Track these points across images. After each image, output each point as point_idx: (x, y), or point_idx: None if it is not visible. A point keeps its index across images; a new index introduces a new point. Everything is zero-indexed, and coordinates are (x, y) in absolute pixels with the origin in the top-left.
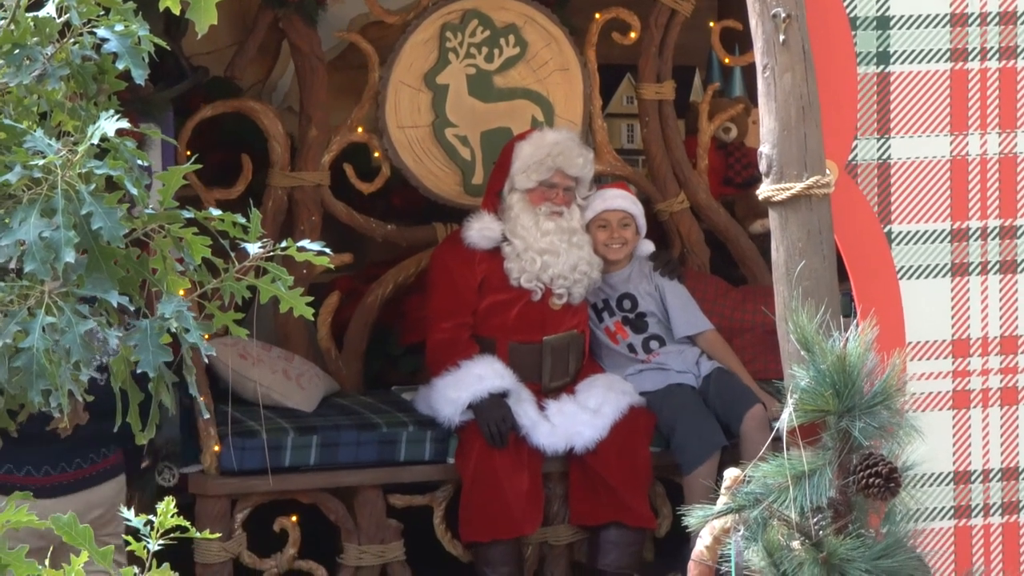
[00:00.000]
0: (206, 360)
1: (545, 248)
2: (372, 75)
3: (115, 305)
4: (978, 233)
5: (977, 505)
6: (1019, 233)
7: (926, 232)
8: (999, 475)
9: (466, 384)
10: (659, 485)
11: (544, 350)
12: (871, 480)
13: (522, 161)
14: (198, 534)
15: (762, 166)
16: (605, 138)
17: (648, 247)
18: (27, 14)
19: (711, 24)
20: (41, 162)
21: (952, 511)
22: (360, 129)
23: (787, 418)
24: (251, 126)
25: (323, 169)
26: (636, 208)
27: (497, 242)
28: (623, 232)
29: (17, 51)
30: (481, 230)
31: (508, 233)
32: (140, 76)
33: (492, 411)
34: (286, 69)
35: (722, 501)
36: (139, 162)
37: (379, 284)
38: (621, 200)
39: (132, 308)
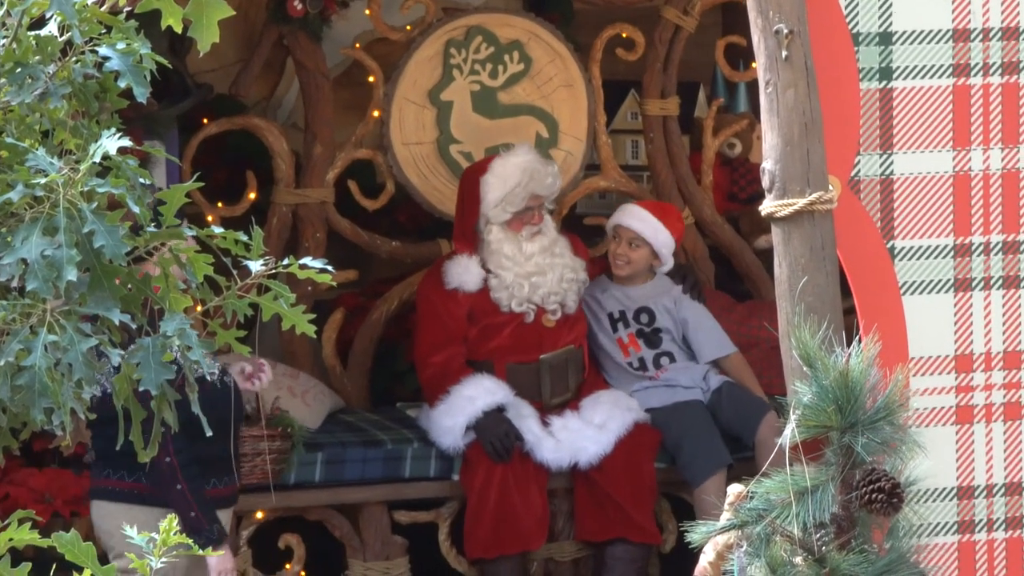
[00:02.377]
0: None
1: (532, 271)
2: (377, 92)
3: (117, 323)
4: (981, 248)
5: (980, 520)
6: (1022, 248)
7: (929, 247)
8: (1003, 490)
9: (459, 408)
10: (664, 501)
11: (542, 368)
12: (874, 496)
13: (493, 195)
14: (201, 551)
15: (765, 182)
16: (610, 154)
17: (670, 263)
18: (29, 33)
19: (716, 40)
20: (43, 180)
21: (955, 526)
22: (365, 146)
23: (790, 434)
24: (256, 143)
25: (328, 186)
26: (653, 234)
27: (479, 283)
28: (629, 251)
29: (19, 70)
30: (460, 275)
31: (493, 266)
32: (142, 94)
33: (492, 428)
34: (291, 86)
35: (725, 517)
36: (141, 180)
37: (384, 301)
38: (637, 221)
39: (134, 326)
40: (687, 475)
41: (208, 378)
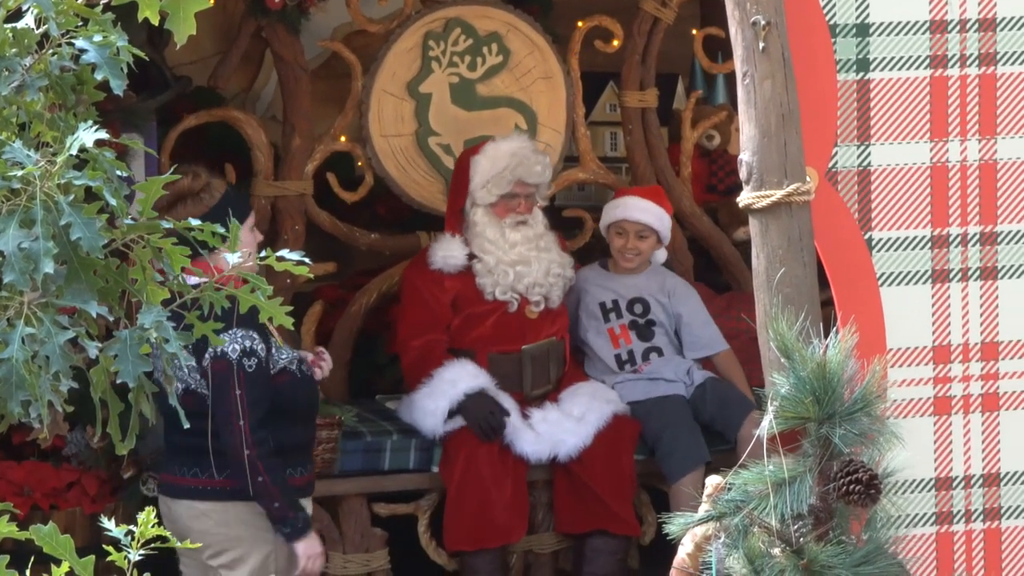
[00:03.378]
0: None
1: (516, 259)
2: (355, 84)
3: (94, 316)
4: (959, 239)
5: (959, 511)
6: (999, 239)
7: (906, 238)
8: (980, 481)
9: (441, 392)
10: (644, 493)
11: (524, 359)
12: (852, 487)
13: (480, 176)
14: (179, 543)
15: (742, 173)
16: (588, 146)
17: (663, 254)
18: (6, 25)
19: (694, 32)
20: (20, 173)
21: (934, 517)
22: (343, 138)
23: (767, 425)
24: (235, 135)
25: (307, 178)
26: (659, 222)
27: (463, 266)
28: (639, 243)
29: None
30: (445, 257)
31: (476, 250)
32: (119, 87)
33: (477, 409)
34: (269, 78)
35: (703, 508)
36: (119, 173)
37: (363, 293)
38: (641, 212)
39: (112, 318)
40: (665, 470)
41: (295, 370)
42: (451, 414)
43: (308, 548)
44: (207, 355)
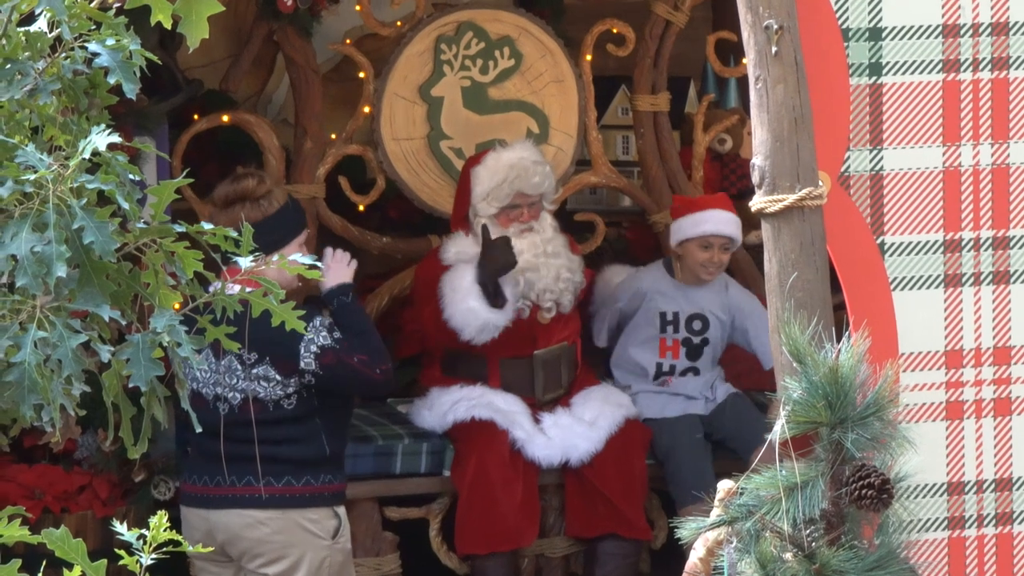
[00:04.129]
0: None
1: (523, 267)
2: (367, 87)
3: (107, 319)
4: (971, 244)
5: (971, 516)
6: (1012, 244)
7: (919, 243)
8: (993, 486)
9: (461, 296)
10: (655, 497)
11: (535, 364)
12: (864, 492)
13: (481, 188)
14: (191, 548)
15: (755, 178)
16: (600, 150)
17: None
18: (19, 29)
19: (706, 35)
20: (32, 177)
21: (946, 522)
22: (355, 142)
23: (780, 430)
24: (246, 139)
25: (318, 182)
26: (739, 232)
27: (474, 258)
28: (723, 256)
29: (8, 66)
30: (458, 253)
31: None
32: (131, 90)
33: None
34: (281, 81)
35: (715, 513)
36: (131, 176)
37: (375, 296)
38: (728, 226)
39: (124, 322)
40: (673, 493)
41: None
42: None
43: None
44: (309, 354)
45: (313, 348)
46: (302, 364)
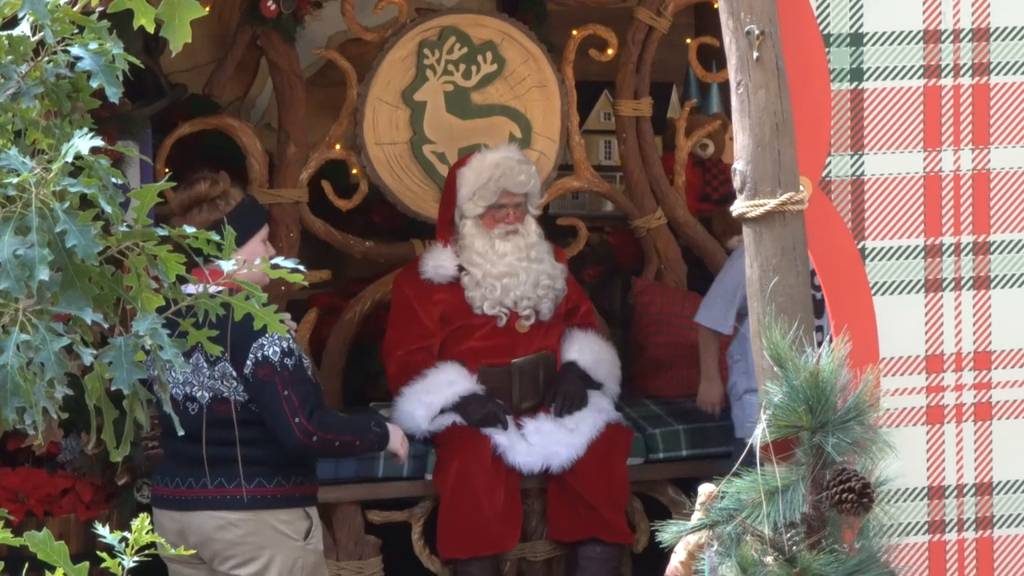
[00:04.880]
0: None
1: (504, 272)
2: (350, 92)
3: (89, 323)
4: (952, 249)
5: (951, 520)
6: (992, 249)
7: (899, 248)
8: (973, 490)
9: (437, 388)
10: (636, 501)
11: (513, 372)
12: (844, 495)
13: (467, 188)
14: (172, 550)
15: (736, 183)
16: (583, 154)
17: None
18: (1, 33)
19: (688, 41)
20: (15, 180)
21: (926, 526)
22: (338, 146)
23: (760, 434)
24: (230, 143)
25: (301, 186)
26: None
27: (453, 277)
28: None
29: None
30: (436, 267)
31: (464, 263)
32: (114, 94)
33: (477, 406)
34: (264, 86)
35: (696, 517)
36: (114, 180)
37: (358, 301)
38: None
39: (107, 325)
40: None
41: None
42: (443, 414)
43: (395, 442)
44: (252, 359)
45: (259, 354)
46: (245, 367)
